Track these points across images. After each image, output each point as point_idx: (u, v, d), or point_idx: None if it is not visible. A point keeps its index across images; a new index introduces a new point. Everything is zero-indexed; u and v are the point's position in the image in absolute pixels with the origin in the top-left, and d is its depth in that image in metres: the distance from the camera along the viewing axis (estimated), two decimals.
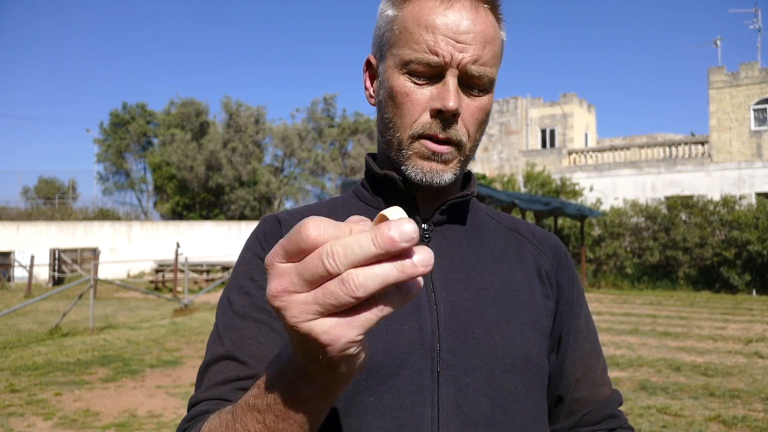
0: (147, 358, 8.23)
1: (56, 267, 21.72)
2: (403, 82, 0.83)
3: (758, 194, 21.81)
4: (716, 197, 20.86)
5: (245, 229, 27.59)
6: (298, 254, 0.44)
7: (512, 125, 29.52)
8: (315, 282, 0.44)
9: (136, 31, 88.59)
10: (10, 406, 5.85)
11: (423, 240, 0.89)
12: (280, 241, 0.46)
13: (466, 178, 0.97)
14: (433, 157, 0.83)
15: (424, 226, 0.90)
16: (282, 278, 0.45)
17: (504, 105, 29.81)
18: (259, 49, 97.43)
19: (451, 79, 0.81)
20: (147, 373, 7.35)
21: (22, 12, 77.93)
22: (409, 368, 0.80)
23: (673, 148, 24.51)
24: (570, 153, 27.62)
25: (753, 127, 23.01)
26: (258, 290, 0.84)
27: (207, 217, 37.16)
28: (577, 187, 24.24)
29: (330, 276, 0.43)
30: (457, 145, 0.84)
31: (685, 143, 24.55)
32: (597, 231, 21.50)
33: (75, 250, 23.27)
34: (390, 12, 0.86)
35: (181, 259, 17.71)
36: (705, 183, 23.24)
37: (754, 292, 17.55)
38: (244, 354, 0.79)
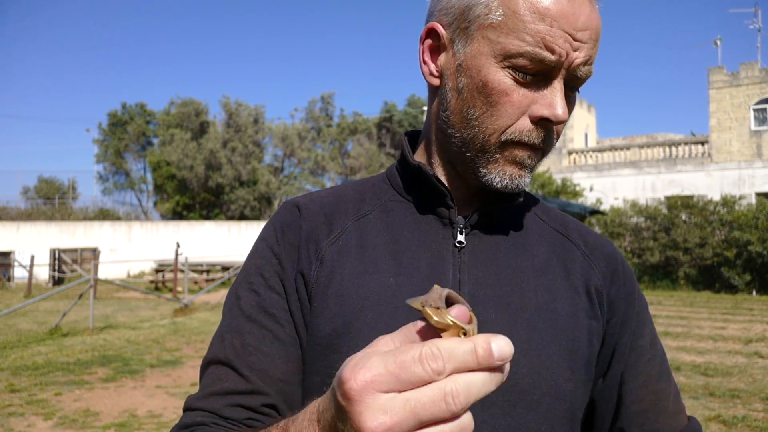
0: (147, 358, 8.23)
1: (56, 267, 21.71)
2: (502, 78, 0.70)
3: (758, 194, 21.81)
4: (716, 197, 20.86)
5: (245, 229, 27.58)
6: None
7: None
8: (409, 384, 0.40)
9: (136, 31, 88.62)
10: (10, 406, 5.85)
11: (457, 247, 0.78)
12: (389, 363, 0.41)
13: None
14: (524, 164, 0.74)
15: (460, 226, 0.79)
16: (374, 367, 0.41)
17: None
18: (256, 47, 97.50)
19: (559, 83, 0.70)
20: (147, 373, 7.35)
21: (22, 12, 77.98)
22: None
23: (673, 148, 24.52)
24: (570, 153, 27.62)
25: (753, 127, 23.01)
26: (266, 290, 0.78)
27: (207, 217, 37.16)
28: (577, 188, 24.25)
29: (426, 381, 0.40)
30: (543, 149, 0.76)
31: (685, 143, 24.56)
32: (597, 231, 21.50)
33: (75, 250, 23.26)
34: None
35: (181, 259, 17.70)
36: (705, 183, 23.25)
37: (754, 292, 17.55)
38: (244, 364, 0.74)
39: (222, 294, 16.46)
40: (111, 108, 47.25)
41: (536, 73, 0.70)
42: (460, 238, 0.78)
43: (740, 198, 19.68)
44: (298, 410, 0.68)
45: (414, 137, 0.89)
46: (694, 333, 10.26)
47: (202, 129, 38.46)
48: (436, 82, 0.78)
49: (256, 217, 36.67)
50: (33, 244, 22.78)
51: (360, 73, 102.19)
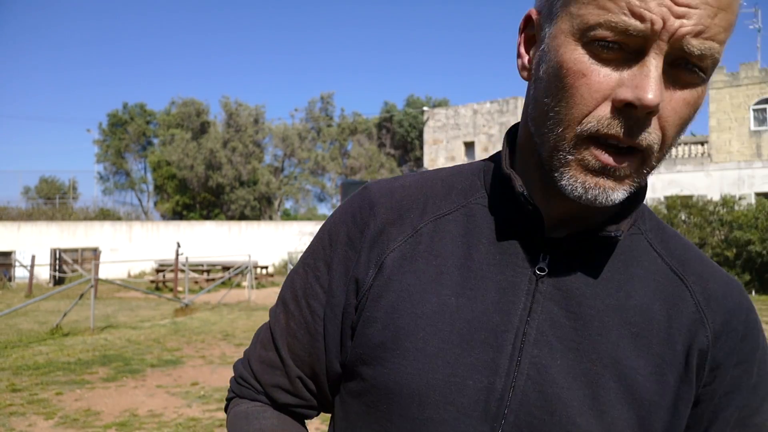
0: (148, 357, 8.25)
1: (57, 267, 21.73)
2: (580, 56, 0.57)
3: (758, 194, 21.81)
4: (716, 197, 20.87)
5: (245, 229, 27.61)
6: None
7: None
8: None
9: (136, 31, 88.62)
10: (11, 405, 5.87)
11: (537, 274, 0.67)
12: None
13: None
14: (605, 171, 0.59)
15: (546, 249, 0.67)
16: None
17: (504, 105, 29.82)
18: (257, 47, 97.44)
19: (654, 59, 0.55)
20: (148, 372, 7.37)
21: (22, 12, 78.01)
22: None
23: (673, 148, 24.45)
24: None
25: (752, 127, 23.02)
26: (314, 280, 0.76)
27: (207, 217, 37.19)
28: None
29: None
30: (642, 152, 0.59)
31: (685, 143, 24.55)
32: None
33: (76, 250, 23.29)
34: None
35: (181, 258, 17.71)
36: (704, 183, 23.25)
37: (753, 292, 17.58)
38: (283, 344, 0.78)
39: (222, 294, 16.48)
40: (112, 108, 47.27)
41: (623, 48, 0.56)
42: (542, 264, 0.66)
43: (740, 198, 19.69)
44: (325, 386, 0.77)
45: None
46: None
47: (202, 129, 38.50)
48: (525, 75, 0.67)
49: (257, 217, 36.71)
50: (34, 244, 22.81)
51: (360, 73, 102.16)
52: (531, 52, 0.66)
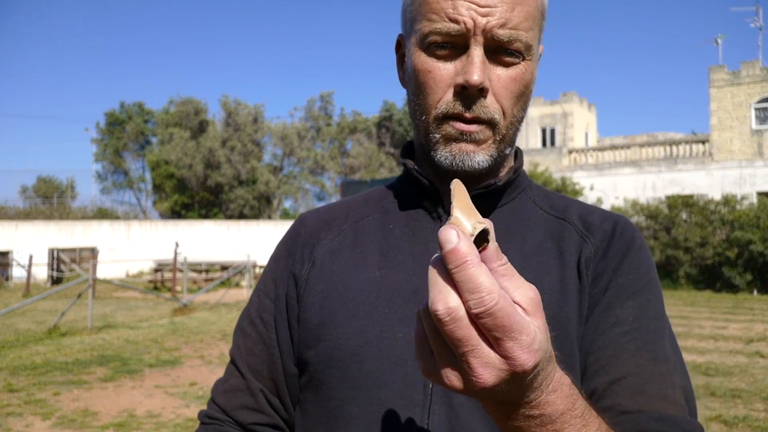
0: (146, 357, 8.21)
1: (55, 266, 21.69)
2: (425, 59, 0.75)
3: (759, 193, 21.79)
4: (717, 196, 20.85)
5: (244, 229, 27.56)
6: None
7: None
8: None
9: (134, 30, 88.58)
10: (8, 405, 5.83)
11: None
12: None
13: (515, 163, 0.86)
14: (462, 137, 0.75)
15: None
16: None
17: None
18: (256, 46, 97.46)
19: (476, 49, 0.72)
20: (146, 372, 7.32)
21: (21, 11, 77.91)
22: (400, 380, 0.74)
23: (674, 147, 24.50)
24: (570, 152, 27.61)
25: (754, 126, 23.00)
26: (264, 297, 0.88)
27: (206, 216, 37.14)
28: (577, 186, 24.24)
29: None
30: (489, 123, 0.75)
31: (686, 142, 24.54)
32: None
33: (73, 250, 23.24)
34: None
35: (180, 258, 17.68)
36: (706, 182, 23.22)
37: (755, 292, 17.55)
38: (244, 364, 0.86)
39: (221, 293, 16.44)
40: (110, 107, 47.24)
41: (452, 46, 0.73)
42: None
43: (741, 198, 19.67)
44: (285, 397, 0.85)
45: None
46: (694, 332, 10.24)
47: (201, 128, 38.44)
48: (403, 85, 0.85)
49: (255, 217, 36.66)
50: (31, 244, 22.75)
51: (359, 73, 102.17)
52: (403, 67, 0.84)
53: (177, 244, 18.04)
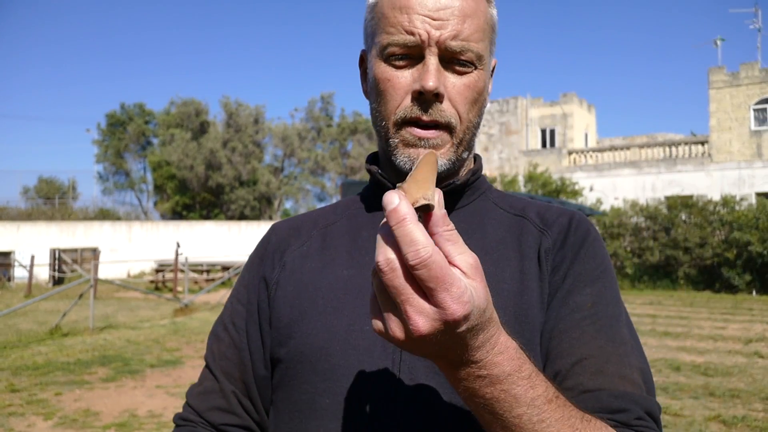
0: (147, 357, 8.23)
1: (56, 267, 21.71)
2: (385, 68, 0.80)
3: (758, 194, 21.80)
4: (716, 197, 20.86)
5: (245, 229, 27.58)
6: None
7: (512, 125, 29.52)
8: None
9: (136, 31, 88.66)
10: (10, 405, 5.85)
11: None
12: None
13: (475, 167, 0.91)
14: (420, 143, 0.80)
15: None
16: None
17: (504, 105, 29.81)
18: (257, 47, 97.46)
19: (431, 58, 0.77)
20: (147, 373, 7.35)
21: (22, 12, 77.94)
22: (368, 370, 0.77)
23: (673, 148, 24.50)
24: (570, 153, 27.61)
25: (753, 127, 23.00)
26: (236, 303, 0.93)
27: (207, 217, 37.16)
28: (576, 187, 24.24)
29: None
30: (446, 128, 0.80)
31: (685, 143, 24.55)
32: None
33: (75, 250, 23.26)
34: (371, 0, 0.85)
35: (181, 258, 17.71)
36: (705, 183, 23.23)
37: (754, 292, 17.56)
38: (217, 368, 0.90)
39: (222, 294, 16.47)
40: (111, 108, 47.25)
41: (409, 57, 0.79)
42: None
43: (741, 199, 19.67)
44: (257, 399, 0.89)
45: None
46: (694, 333, 10.26)
47: (202, 129, 38.45)
48: (366, 96, 0.90)
49: (256, 217, 36.68)
50: (33, 244, 22.78)
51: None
52: (366, 80, 0.88)
53: (178, 245, 18.06)
